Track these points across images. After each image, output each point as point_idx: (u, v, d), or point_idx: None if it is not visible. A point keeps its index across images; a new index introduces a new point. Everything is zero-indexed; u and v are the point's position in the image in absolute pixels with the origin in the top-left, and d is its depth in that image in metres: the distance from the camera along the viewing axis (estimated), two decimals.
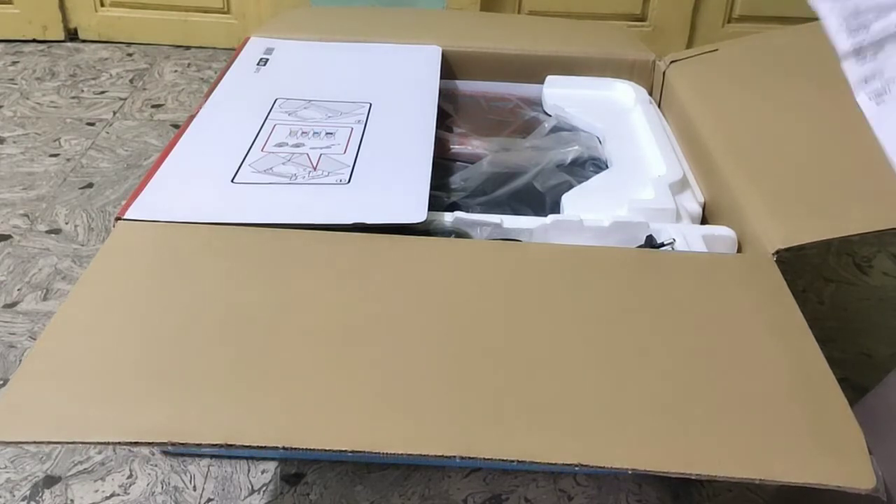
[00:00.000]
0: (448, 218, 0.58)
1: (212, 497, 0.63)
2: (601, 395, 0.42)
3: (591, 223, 0.59)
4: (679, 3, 1.47)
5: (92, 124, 1.21)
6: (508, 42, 0.87)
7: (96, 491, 0.63)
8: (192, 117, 0.68)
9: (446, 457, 0.38)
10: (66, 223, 0.97)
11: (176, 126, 1.21)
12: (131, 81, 1.36)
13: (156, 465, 0.66)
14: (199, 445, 0.38)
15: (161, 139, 1.17)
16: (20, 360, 0.76)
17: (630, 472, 0.38)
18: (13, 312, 0.82)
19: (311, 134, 0.66)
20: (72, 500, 0.63)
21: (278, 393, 0.41)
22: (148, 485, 0.64)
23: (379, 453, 0.38)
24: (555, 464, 0.38)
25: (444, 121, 0.77)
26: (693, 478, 0.39)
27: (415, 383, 0.42)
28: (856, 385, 0.72)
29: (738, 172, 0.62)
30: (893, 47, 0.36)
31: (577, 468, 0.52)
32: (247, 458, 0.67)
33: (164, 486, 0.64)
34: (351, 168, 0.61)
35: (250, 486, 0.64)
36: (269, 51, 0.83)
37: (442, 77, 0.79)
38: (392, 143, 0.65)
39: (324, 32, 0.88)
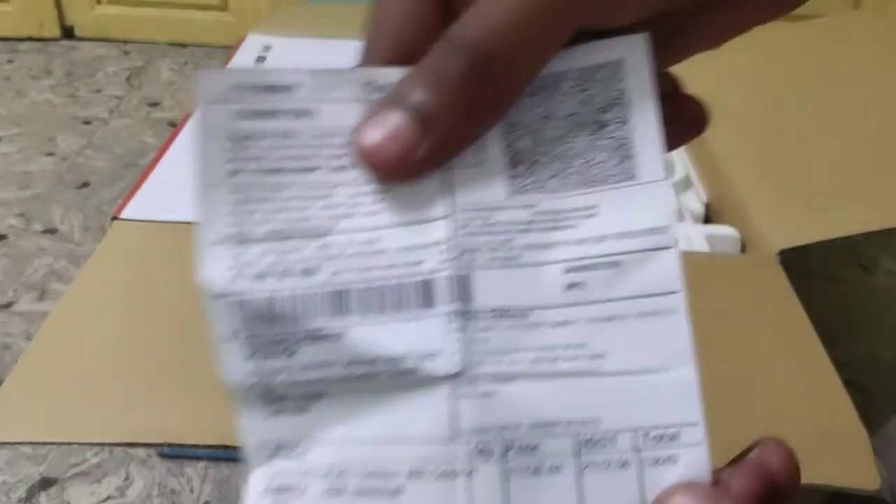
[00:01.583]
0: None
1: (209, 500, 0.63)
2: None
3: None
4: None
5: (88, 123, 1.20)
6: None
7: (92, 493, 0.63)
8: (189, 115, 0.68)
9: None
10: (62, 223, 0.96)
11: (173, 124, 1.20)
12: (128, 80, 1.35)
13: (153, 468, 0.65)
14: (195, 446, 0.38)
15: (158, 138, 1.16)
16: (16, 361, 0.75)
17: None
18: (9, 313, 0.81)
19: None
20: (68, 503, 0.62)
21: None
22: (145, 487, 0.63)
23: None
24: None
25: None
26: None
27: None
28: (860, 386, 0.72)
29: (741, 172, 0.61)
30: (335, 405, 0.19)
31: None
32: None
33: (161, 489, 0.63)
34: None
35: None
36: (267, 48, 0.82)
37: None
38: None
39: (322, 30, 0.87)
